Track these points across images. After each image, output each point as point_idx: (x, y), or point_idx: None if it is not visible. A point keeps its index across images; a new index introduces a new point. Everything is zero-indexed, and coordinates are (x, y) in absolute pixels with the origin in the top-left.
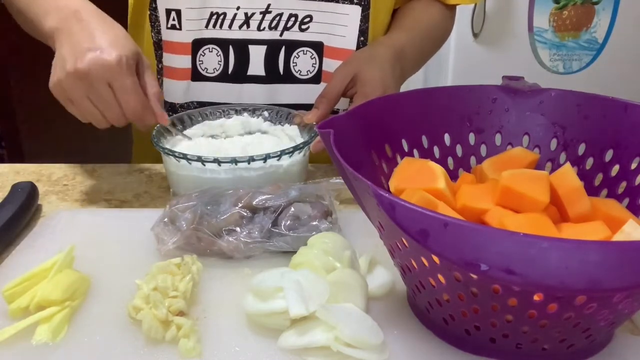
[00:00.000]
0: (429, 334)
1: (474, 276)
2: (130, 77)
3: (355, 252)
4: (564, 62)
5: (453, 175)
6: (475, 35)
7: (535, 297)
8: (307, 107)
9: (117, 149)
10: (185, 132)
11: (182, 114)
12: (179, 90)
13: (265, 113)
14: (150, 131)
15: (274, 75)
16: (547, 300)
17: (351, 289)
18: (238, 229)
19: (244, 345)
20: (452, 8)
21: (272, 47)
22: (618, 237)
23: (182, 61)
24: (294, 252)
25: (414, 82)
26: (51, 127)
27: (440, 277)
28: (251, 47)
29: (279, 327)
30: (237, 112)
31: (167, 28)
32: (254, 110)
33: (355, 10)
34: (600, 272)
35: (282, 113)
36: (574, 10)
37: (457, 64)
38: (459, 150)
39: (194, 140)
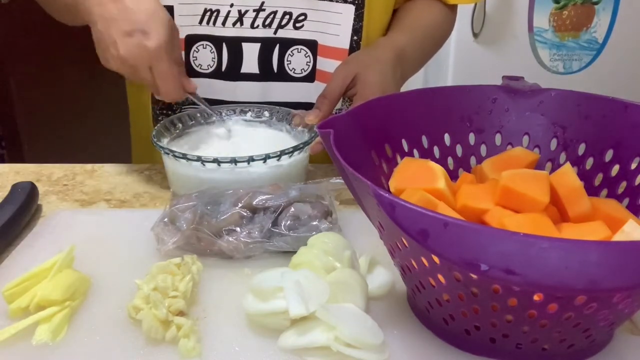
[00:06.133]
0: (429, 334)
1: (474, 276)
2: (166, 62)
3: (355, 252)
4: (564, 62)
5: (453, 175)
6: (475, 35)
7: (535, 297)
8: (301, 105)
9: (117, 149)
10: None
11: (183, 114)
12: None
13: (266, 113)
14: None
15: (267, 73)
16: (547, 300)
17: (351, 289)
18: (238, 229)
19: (244, 345)
20: (452, 7)
21: (266, 45)
22: (618, 237)
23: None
24: (294, 252)
25: (414, 82)
26: (51, 127)
27: (440, 277)
28: (244, 45)
29: (279, 327)
30: (239, 112)
31: None
32: (254, 110)
33: (349, 9)
34: (600, 272)
35: (282, 113)
36: (574, 10)
37: (457, 64)
38: (459, 150)
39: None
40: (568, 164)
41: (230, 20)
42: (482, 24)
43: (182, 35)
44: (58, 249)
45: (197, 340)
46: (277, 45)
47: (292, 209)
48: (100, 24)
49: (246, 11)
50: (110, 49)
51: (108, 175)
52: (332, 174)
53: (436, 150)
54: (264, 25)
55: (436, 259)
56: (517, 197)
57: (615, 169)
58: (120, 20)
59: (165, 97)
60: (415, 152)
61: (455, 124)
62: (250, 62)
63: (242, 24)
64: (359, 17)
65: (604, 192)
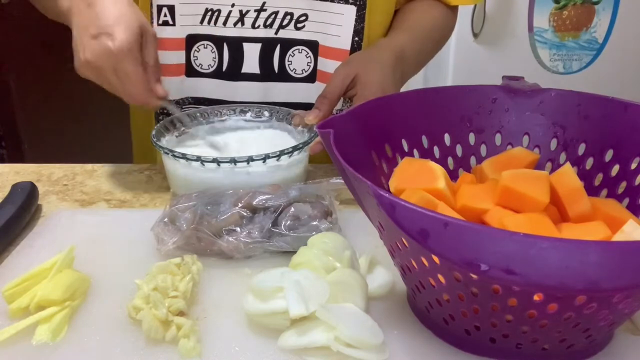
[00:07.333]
0: (429, 334)
1: (474, 276)
2: (131, 64)
3: (355, 252)
4: (564, 62)
5: (453, 175)
6: (475, 35)
7: (535, 297)
8: (302, 105)
9: (117, 149)
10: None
11: (183, 114)
12: (172, 86)
13: (266, 113)
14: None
15: (268, 73)
16: (547, 300)
17: (351, 289)
18: (238, 229)
19: (244, 345)
20: (453, 9)
21: (267, 45)
22: (618, 237)
23: (176, 57)
24: (294, 252)
25: (414, 82)
26: (51, 127)
27: (440, 277)
28: (245, 45)
29: (279, 327)
30: (239, 112)
31: (159, 25)
32: (254, 110)
33: (350, 10)
34: (600, 272)
35: (282, 113)
36: (574, 10)
37: (457, 64)
38: (459, 150)
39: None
40: (568, 164)
41: (231, 20)
42: (482, 24)
43: (183, 35)
44: (58, 249)
45: (197, 340)
46: (278, 45)
47: (292, 209)
48: (75, 31)
49: (247, 11)
50: (79, 53)
51: (108, 175)
52: (332, 174)
53: (436, 150)
54: (265, 26)
55: (436, 259)
56: (517, 197)
57: (615, 169)
58: (89, 25)
59: (130, 99)
60: (415, 152)
61: (455, 124)
62: (251, 62)
63: (243, 24)
64: (360, 18)
65: (604, 192)
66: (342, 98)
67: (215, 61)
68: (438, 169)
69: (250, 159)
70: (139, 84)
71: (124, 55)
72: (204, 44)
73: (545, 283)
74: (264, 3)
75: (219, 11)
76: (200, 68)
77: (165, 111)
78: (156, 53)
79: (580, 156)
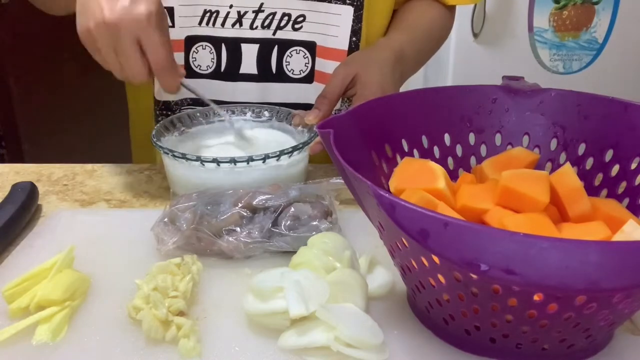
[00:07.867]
0: (429, 334)
1: (474, 276)
2: (158, 32)
3: (355, 252)
4: (564, 62)
5: (453, 175)
6: (475, 35)
7: (535, 297)
8: (300, 106)
9: (117, 149)
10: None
11: (183, 114)
12: None
13: (266, 113)
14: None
15: (266, 74)
16: (547, 300)
17: (351, 289)
18: (238, 229)
19: (244, 345)
20: (451, 8)
21: (265, 46)
22: (618, 237)
23: (175, 59)
24: (294, 252)
25: (414, 82)
26: (51, 128)
27: (440, 277)
28: (243, 46)
29: (279, 327)
30: (238, 112)
31: None
32: (254, 110)
33: (348, 11)
34: (600, 272)
35: (282, 113)
36: (574, 10)
37: (457, 64)
38: (459, 150)
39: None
40: (568, 164)
41: (229, 21)
42: (482, 24)
43: (182, 36)
44: (58, 249)
45: (197, 340)
46: (276, 46)
47: (292, 209)
48: None
49: (245, 12)
50: (96, 13)
51: (108, 175)
52: (332, 174)
53: (436, 150)
54: (262, 27)
55: (436, 259)
56: (517, 197)
57: (615, 169)
58: None
59: (159, 69)
60: (415, 152)
61: (455, 124)
62: (249, 62)
63: (241, 25)
64: (358, 19)
65: (604, 192)
66: (341, 98)
67: (213, 62)
68: (438, 169)
69: (250, 159)
70: (166, 50)
71: (150, 23)
72: (202, 45)
73: (545, 283)
74: (261, 4)
75: (217, 12)
76: (199, 69)
77: (165, 112)
78: (168, 31)
79: (580, 156)
